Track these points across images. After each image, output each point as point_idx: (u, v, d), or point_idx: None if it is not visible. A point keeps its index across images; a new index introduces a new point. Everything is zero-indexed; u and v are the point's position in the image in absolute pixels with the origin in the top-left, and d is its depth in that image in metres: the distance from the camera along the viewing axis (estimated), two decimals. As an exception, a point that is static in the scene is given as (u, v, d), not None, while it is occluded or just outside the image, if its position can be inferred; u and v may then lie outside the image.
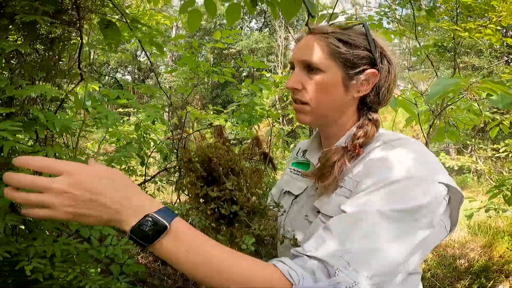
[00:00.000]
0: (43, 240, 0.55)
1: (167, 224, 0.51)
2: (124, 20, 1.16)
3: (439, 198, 0.58)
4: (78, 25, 0.95)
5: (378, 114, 0.75)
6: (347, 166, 0.67)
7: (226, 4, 1.48)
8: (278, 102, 4.56)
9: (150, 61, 1.43)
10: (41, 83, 0.82)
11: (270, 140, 3.07)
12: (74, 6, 0.94)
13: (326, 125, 0.76)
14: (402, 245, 0.55)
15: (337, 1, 2.31)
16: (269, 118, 3.02)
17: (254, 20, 19.34)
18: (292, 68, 0.75)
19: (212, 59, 15.86)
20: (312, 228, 0.69)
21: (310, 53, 0.69)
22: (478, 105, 1.79)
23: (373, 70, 0.69)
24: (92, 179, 0.52)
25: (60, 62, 1.02)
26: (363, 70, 0.69)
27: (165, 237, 0.51)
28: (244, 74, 14.03)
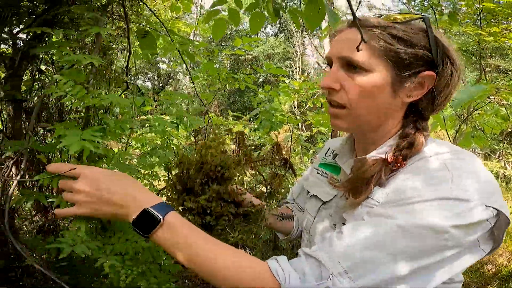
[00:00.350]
0: (118, 239, 0.62)
1: (160, 217, 0.56)
2: (165, 31, 1.23)
3: (480, 222, 0.51)
4: (126, 34, 1.02)
5: (428, 123, 0.65)
6: (383, 180, 0.59)
7: (239, 11, 1.53)
8: (296, 108, 4.58)
9: (189, 71, 1.48)
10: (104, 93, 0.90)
11: (291, 146, 3.10)
12: (123, 16, 1.01)
13: (364, 131, 0.66)
14: (412, 262, 0.50)
15: (358, 6, 2.33)
16: (289, 124, 3.04)
17: (269, 26, 19.44)
18: (329, 65, 0.65)
19: (229, 64, 16.04)
20: None
21: (353, 49, 0.58)
22: (505, 109, 1.76)
23: (431, 72, 0.59)
24: (103, 179, 0.60)
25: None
26: (418, 72, 0.59)
27: (159, 229, 0.56)
28: (261, 79, 14.12)
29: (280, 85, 3.40)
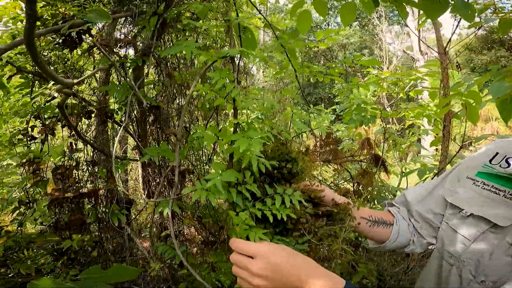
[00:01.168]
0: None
1: None
2: (268, 25, 1.19)
3: None
4: (230, 32, 1.01)
5: None
6: None
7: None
8: (385, 100, 4.23)
9: (294, 68, 1.43)
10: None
11: (384, 142, 2.85)
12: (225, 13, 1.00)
13: None
14: None
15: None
16: (382, 118, 2.80)
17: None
18: None
19: (300, 56, 15.79)
20: None
21: None
22: None
23: None
24: (282, 261, 0.57)
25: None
26: None
27: None
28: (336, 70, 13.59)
29: (357, 75, 3.17)
